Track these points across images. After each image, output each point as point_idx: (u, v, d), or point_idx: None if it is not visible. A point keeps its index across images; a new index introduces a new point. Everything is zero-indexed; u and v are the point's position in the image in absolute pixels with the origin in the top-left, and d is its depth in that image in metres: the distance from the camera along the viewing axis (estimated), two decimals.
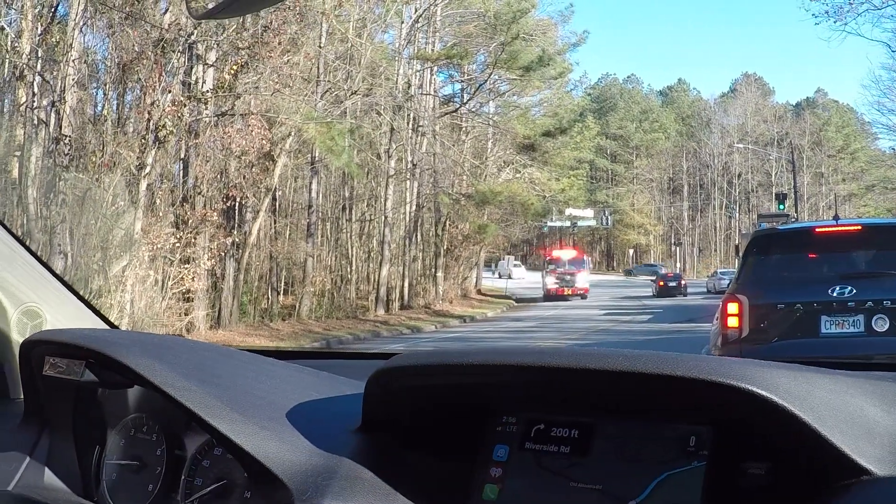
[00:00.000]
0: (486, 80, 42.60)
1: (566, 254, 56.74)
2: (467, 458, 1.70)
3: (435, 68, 41.72)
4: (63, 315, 2.56)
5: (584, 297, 51.18)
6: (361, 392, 1.75)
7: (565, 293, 50.96)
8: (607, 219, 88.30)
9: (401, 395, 1.71)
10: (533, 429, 1.67)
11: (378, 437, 1.72)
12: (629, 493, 1.51)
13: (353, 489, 1.59)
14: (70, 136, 19.85)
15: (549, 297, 50.67)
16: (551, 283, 52.33)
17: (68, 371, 2.10)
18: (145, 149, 20.37)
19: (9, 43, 19.64)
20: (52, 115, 20.08)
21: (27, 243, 2.54)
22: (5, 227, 2.48)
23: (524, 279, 65.74)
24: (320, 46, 29.38)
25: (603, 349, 1.51)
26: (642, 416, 1.56)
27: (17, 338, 2.40)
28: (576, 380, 1.54)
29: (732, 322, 8.87)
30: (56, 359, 2.13)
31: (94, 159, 19.88)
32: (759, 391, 1.32)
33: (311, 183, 32.46)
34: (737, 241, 64.51)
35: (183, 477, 2.07)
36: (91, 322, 2.65)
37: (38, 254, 2.58)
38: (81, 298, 2.69)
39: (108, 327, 2.71)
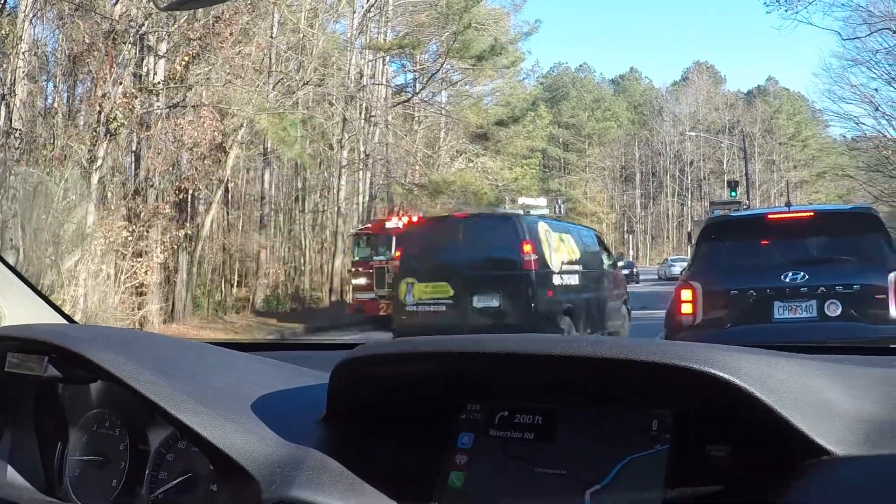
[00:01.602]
0: (439, 70, 42.39)
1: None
2: (433, 447, 1.71)
3: (387, 58, 41.56)
4: (22, 310, 2.54)
5: None
6: (324, 382, 1.75)
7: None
8: (560, 207, 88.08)
9: (366, 385, 1.72)
10: (497, 416, 1.68)
11: (343, 427, 1.73)
12: (593, 477, 1.52)
13: (319, 479, 1.59)
14: (20, 130, 19.57)
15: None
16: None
17: (30, 367, 2.07)
18: (96, 142, 20.12)
19: None
20: (2, 108, 19.79)
21: None
22: None
23: None
24: (272, 37, 29.20)
25: (565, 336, 1.53)
26: (605, 401, 1.58)
27: None
28: (539, 366, 1.56)
29: (686, 308, 8.96)
30: (17, 355, 2.11)
31: (44, 153, 19.64)
32: (721, 374, 1.34)
33: (263, 174, 32.30)
34: (689, 229, 65.15)
35: (147, 471, 2.06)
36: (50, 317, 2.63)
37: None
38: (39, 293, 2.66)
39: (67, 322, 2.69)
